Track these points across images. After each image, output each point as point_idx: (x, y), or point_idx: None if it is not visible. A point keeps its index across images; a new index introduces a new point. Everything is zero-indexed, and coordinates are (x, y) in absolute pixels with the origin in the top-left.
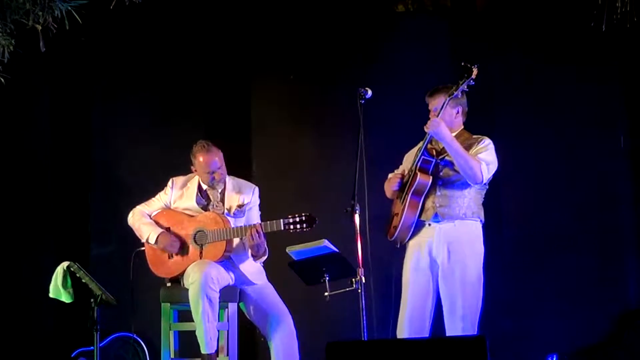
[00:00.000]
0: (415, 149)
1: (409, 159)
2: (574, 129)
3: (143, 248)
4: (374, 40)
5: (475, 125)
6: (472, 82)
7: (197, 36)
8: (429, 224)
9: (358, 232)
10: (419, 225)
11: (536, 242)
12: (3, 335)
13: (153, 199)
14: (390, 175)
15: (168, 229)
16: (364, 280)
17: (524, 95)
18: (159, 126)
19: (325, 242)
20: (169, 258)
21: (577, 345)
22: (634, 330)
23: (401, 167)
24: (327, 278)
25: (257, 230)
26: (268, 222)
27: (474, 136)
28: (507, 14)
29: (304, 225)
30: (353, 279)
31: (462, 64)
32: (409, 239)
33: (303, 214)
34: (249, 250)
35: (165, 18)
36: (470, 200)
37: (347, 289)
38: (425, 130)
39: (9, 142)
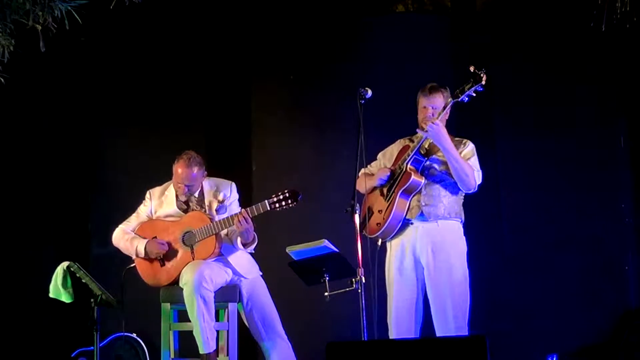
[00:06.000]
0: (393, 147)
1: (387, 156)
2: (574, 129)
3: (133, 264)
4: (374, 40)
5: (475, 126)
6: (480, 89)
7: (197, 37)
8: (412, 223)
9: (358, 232)
10: (403, 224)
11: (536, 242)
12: (3, 335)
13: (131, 216)
14: (366, 170)
15: (154, 239)
16: (364, 280)
17: (523, 95)
18: (159, 127)
19: (325, 242)
20: (162, 266)
21: (577, 345)
22: (634, 330)
23: (375, 165)
24: (327, 278)
25: (244, 216)
26: (254, 205)
27: (456, 138)
28: (507, 14)
29: (289, 201)
30: (353, 279)
31: (471, 69)
32: (391, 238)
33: (286, 191)
34: (238, 240)
35: (165, 19)
36: (453, 200)
37: (347, 289)
38: (425, 131)
39: (9, 142)
